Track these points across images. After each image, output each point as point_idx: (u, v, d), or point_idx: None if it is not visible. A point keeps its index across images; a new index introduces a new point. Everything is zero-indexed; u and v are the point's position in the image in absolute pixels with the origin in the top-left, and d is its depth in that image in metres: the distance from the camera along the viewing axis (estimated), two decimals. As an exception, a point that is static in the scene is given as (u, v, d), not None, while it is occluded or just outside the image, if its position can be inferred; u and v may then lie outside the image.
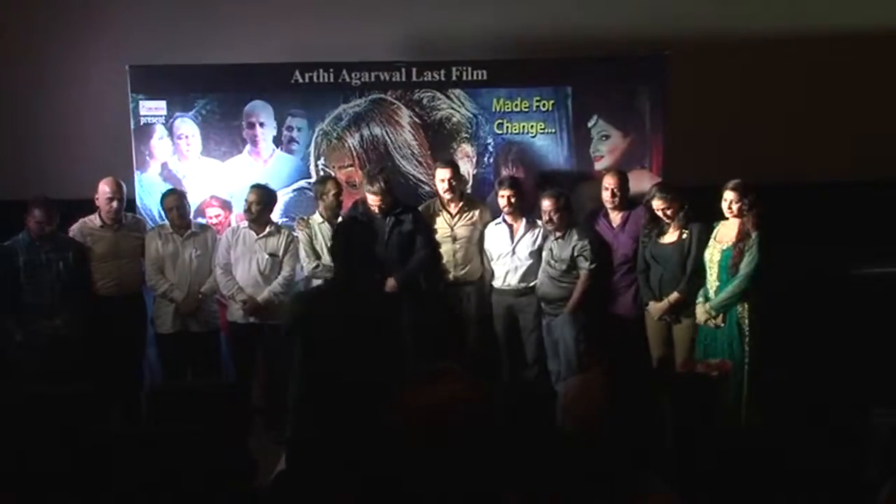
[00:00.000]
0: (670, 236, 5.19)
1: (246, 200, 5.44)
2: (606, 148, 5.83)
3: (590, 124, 5.83)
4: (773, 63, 6.26)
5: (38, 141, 6.36)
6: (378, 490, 2.70)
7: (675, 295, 5.15)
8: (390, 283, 5.37)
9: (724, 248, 4.97)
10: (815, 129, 6.21)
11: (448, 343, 5.48)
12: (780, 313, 5.03)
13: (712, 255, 5.02)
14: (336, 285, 3.85)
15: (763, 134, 6.18)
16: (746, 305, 4.90)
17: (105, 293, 5.43)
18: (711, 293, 5.00)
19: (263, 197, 5.45)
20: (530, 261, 5.50)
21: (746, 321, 4.89)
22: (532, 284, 5.50)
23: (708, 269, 5.03)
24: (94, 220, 5.49)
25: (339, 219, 5.48)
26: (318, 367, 3.58)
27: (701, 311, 5.02)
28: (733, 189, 4.94)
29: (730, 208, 4.96)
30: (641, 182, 5.64)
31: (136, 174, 5.84)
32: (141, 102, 5.79)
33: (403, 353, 3.81)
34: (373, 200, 5.44)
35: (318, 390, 3.54)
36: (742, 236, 4.91)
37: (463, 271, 5.59)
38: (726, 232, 5.01)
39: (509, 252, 5.52)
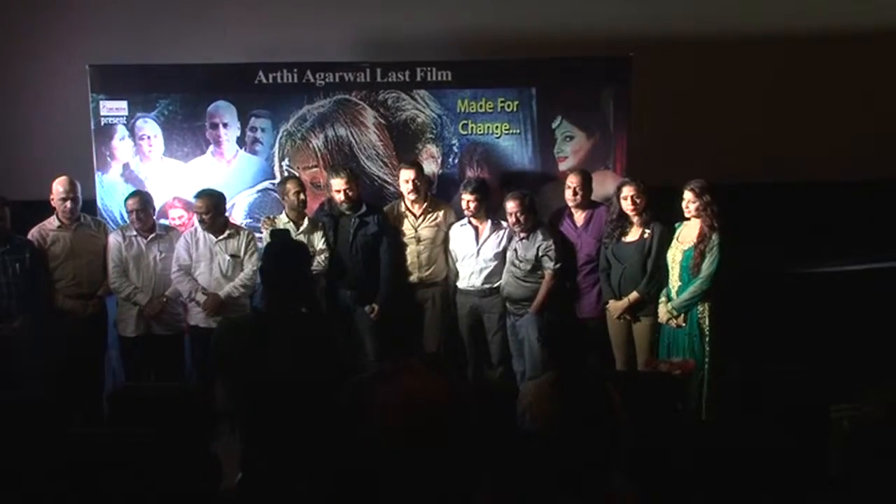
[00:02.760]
0: (632, 235, 5.24)
1: (195, 211, 5.40)
2: (571, 148, 5.86)
3: (554, 125, 5.86)
4: (736, 64, 6.32)
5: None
6: (347, 490, 2.70)
7: (634, 294, 5.20)
8: (374, 310, 5.44)
9: (686, 248, 5.02)
10: (775, 130, 6.28)
11: (412, 344, 5.49)
12: (738, 312, 5.10)
13: (674, 256, 5.07)
14: (267, 312, 3.59)
15: (725, 134, 6.24)
16: (707, 305, 4.95)
17: (65, 294, 5.37)
18: (673, 293, 5.05)
19: (211, 203, 5.36)
20: (495, 262, 5.52)
21: (707, 321, 4.95)
22: (497, 285, 5.52)
23: (670, 270, 5.09)
24: (51, 221, 5.42)
25: (305, 220, 5.46)
26: (260, 397, 3.42)
27: (663, 311, 5.07)
28: (691, 189, 4.99)
29: (687, 208, 5.02)
30: (605, 182, 5.69)
31: (97, 175, 5.78)
32: (101, 102, 5.73)
33: (345, 357, 3.67)
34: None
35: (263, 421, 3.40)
36: (702, 237, 4.96)
37: (427, 272, 5.60)
38: (688, 233, 5.06)
39: (474, 253, 5.53)
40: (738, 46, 6.36)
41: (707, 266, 4.91)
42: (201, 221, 5.36)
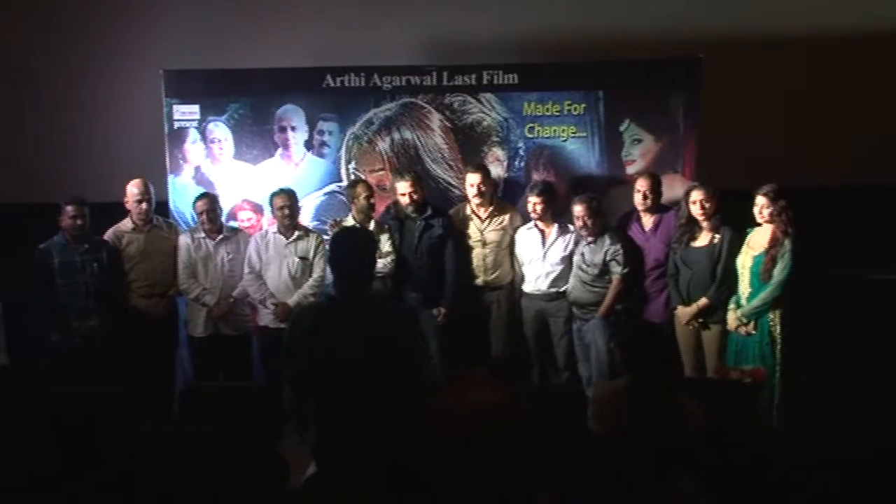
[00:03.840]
0: (702, 240, 5.15)
1: (275, 206, 5.46)
2: (638, 152, 5.80)
3: (621, 128, 5.80)
4: (808, 65, 6.20)
5: (73, 145, 6.46)
6: (409, 491, 2.71)
7: (703, 300, 5.11)
8: (440, 313, 5.43)
9: (757, 254, 4.92)
10: (849, 133, 6.13)
11: (477, 348, 5.47)
12: (811, 319, 4.98)
13: (744, 262, 4.97)
14: (337, 300, 3.65)
15: (798, 138, 6.11)
16: (778, 312, 4.85)
17: (138, 294, 5.48)
18: (743, 300, 4.95)
19: (293, 199, 5.50)
20: (561, 266, 5.47)
21: (778, 328, 4.84)
22: (563, 289, 5.48)
23: (740, 276, 4.99)
24: (126, 223, 5.54)
25: (372, 223, 5.49)
26: (329, 388, 3.48)
27: (732, 318, 4.97)
28: (764, 195, 4.89)
29: (761, 213, 4.92)
30: (673, 186, 5.60)
31: (170, 178, 5.90)
32: (174, 106, 5.86)
33: (420, 362, 3.71)
34: (404, 189, 5.44)
35: (333, 409, 3.46)
36: (774, 243, 4.85)
37: (493, 275, 5.58)
38: (759, 238, 4.96)
39: (540, 257, 5.50)
40: (809, 46, 6.24)
41: (779, 272, 4.81)
42: (283, 217, 5.42)
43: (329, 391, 3.42)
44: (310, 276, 5.44)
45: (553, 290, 5.48)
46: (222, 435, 3.22)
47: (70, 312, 5.26)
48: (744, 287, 4.95)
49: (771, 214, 4.87)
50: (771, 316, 4.85)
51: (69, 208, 5.24)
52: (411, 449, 2.95)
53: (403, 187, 5.46)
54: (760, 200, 4.90)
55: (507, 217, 5.63)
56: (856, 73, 6.23)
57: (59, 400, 3.65)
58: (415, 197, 5.45)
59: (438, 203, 5.70)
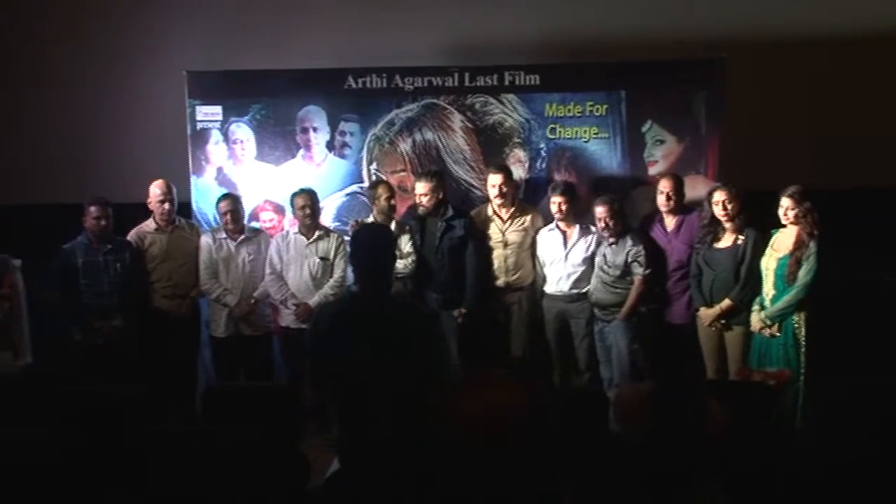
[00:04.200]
0: (725, 241, 5.11)
1: (296, 206, 5.47)
2: (661, 153, 5.78)
3: (644, 129, 5.78)
4: (831, 65, 6.15)
5: (97, 145, 6.50)
6: (433, 491, 2.71)
7: (726, 302, 5.07)
8: (461, 314, 5.38)
9: (781, 256, 4.88)
10: (874, 134, 6.07)
11: (498, 349, 5.45)
12: (836, 322, 4.93)
13: (768, 263, 4.93)
14: (358, 295, 3.69)
15: (821, 139, 6.06)
16: (803, 315, 4.81)
17: (160, 295, 5.51)
18: (767, 302, 4.91)
19: (314, 199, 5.51)
20: (583, 267, 5.45)
21: (802, 331, 4.80)
22: (584, 290, 5.46)
23: (764, 277, 4.95)
24: (148, 224, 5.58)
25: (393, 224, 5.49)
26: (349, 384, 3.50)
27: (756, 320, 4.93)
28: (790, 196, 4.85)
29: (786, 215, 4.88)
30: (696, 188, 5.56)
31: (192, 178, 5.93)
32: (197, 107, 5.88)
33: (440, 362, 3.72)
34: (425, 190, 5.43)
35: (354, 405, 3.48)
36: (799, 244, 4.81)
37: (514, 276, 5.56)
38: (783, 240, 4.92)
39: (562, 258, 5.48)
40: (834, 46, 6.19)
41: (804, 274, 4.77)
42: (304, 216, 5.44)
43: (348, 387, 3.43)
44: (331, 277, 5.45)
45: (575, 291, 5.46)
46: (244, 434, 3.23)
47: (93, 312, 5.29)
48: (768, 289, 4.92)
49: (796, 216, 4.83)
50: (795, 318, 4.81)
51: (92, 209, 5.28)
52: (431, 448, 2.94)
53: (424, 188, 5.45)
54: (785, 202, 4.86)
55: (528, 218, 5.62)
56: (881, 74, 6.18)
57: (82, 399, 3.68)
58: (436, 198, 5.45)
59: (460, 204, 5.69)
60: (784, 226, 4.92)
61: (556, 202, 5.43)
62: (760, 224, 5.06)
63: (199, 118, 5.89)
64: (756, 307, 4.97)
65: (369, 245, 3.62)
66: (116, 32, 6.54)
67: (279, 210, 5.94)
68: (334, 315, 3.62)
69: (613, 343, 5.32)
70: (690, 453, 2.89)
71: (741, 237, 5.06)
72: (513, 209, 5.60)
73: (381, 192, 5.52)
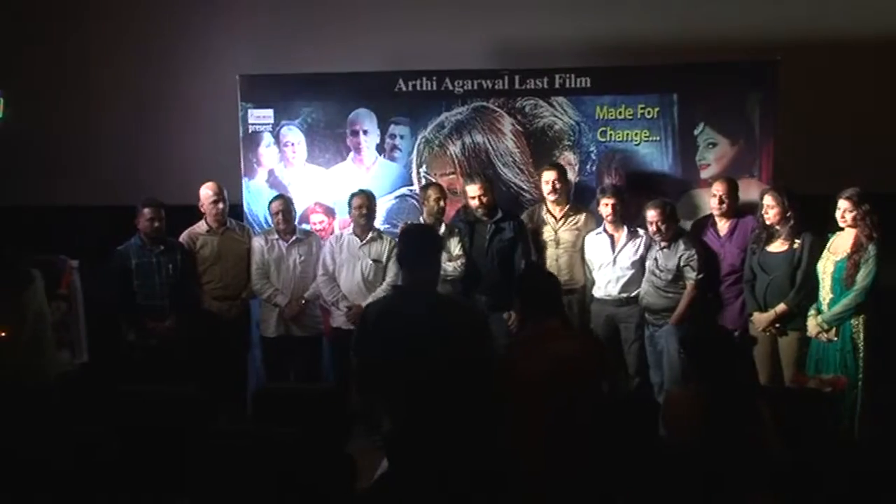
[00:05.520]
0: (780, 245, 5.03)
1: (353, 205, 5.49)
2: (713, 156, 5.70)
3: (696, 132, 5.71)
4: (890, 66, 6.02)
5: (151, 148, 6.60)
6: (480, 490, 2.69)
7: (781, 306, 4.99)
8: (510, 317, 5.33)
9: (839, 259, 4.78)
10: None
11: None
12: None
13: (825, 267, 4.84)
14: (404, 290, 3.75)
15: (879, 140, 5.93)
16: (861, 319, 4.70)
17: (212, 296, 5.57)
18: (824, 306, 4.81)
19: (372, 200, 5.54)
20: (632, 270, 5.41)
21: (861, 336, 4.69)
22: (634, 294, 5.41)
23: (821, 281, 4.85)
24: (200, 225, 5.64)
25: (442, 226, 5.49)
26: (395, 380, 3.51)
27: (813, 325, 4.84)
28: (848, 198, 4.75)
29: (843, 218, 4.77)
30: (749, 191, 5.48)
31: (244, 181, 5.99)
32: (249, 111, 5.94)
33: (490, 362, 3.72)
34: (474, 192, 5.44)
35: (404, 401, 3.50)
36: (857, 247, 4.71)
37: (565, 277, 5.47)
38: (841, 243, 4.82)
39: (610, 261, 5.44)
40: (892, 47, 6.04)
41: (862, 278, 4.66)
42: (360, 216, 5.46)
43: (395, 385, 3.43)
44: (383, 280, 5.47)
45: (624, 294, 5.41)
46: (291, 435, 3.24)
47: (146, 313, 5.36)
48: (825, 293, 4.82)
49: (854, 218, 4.73)
50: (853, 323, 4.71)
51: (146, 210, 5.36)
52: (481, 449, 2.93)
53: (473, 190, 5.45)
54: (843, 204, 4.76)
55: (581, 217, 5.60)
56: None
57: (135, 399, 3.73)
58: (485, 200, 5.44)
59: (509, 207, 5.68)
60: (842, 229, 4.82)
61: (607, 203, 5.39)
62: (817, 227, 4.97)
63: (251, 121, 5.95)
64: (812, 312, 4.87)
65: (415, 242, 3.66)
66: (170, 36, 6.66)
67: (329, 212, 5.98)
68: (379, 312, 3.65)
69: (664, 348, 5.26)
70: (741, 458, 2.84)
71: (797, 241, 4.97)
72: (567, 207, 5.58)
73: (431, 193, 5.53)
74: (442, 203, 5.52)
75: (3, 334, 4.50)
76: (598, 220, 5.57)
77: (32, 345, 4.59)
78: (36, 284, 4.66)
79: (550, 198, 5.54)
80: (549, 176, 5.52)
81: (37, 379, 4.54)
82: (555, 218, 5.58)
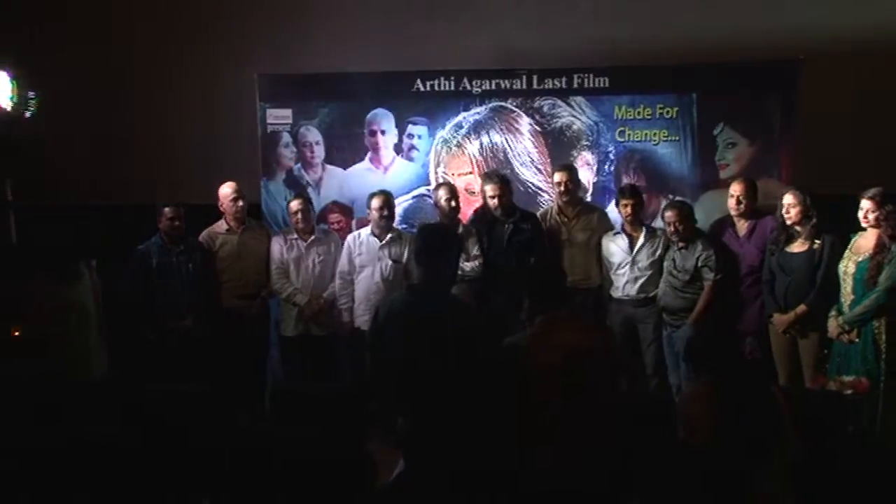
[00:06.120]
0: (800, 245, 4.99)
1: (373, 206, 5.47)
2: (733, 156, 5.68)
3: (715, 132, 5.69)
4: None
5: (170, 147, 6.63)
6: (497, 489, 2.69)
7: (801, 307, 4.95)
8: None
9: (861, 259, 4.74)
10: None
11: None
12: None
13: (847, 267, 4.79)
14: (417, 288, 3.78)
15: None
16: (883, 320, 4.65)
17: (231, 295, 5.59)
18: (845, 307, 4.76)
19: (391, 200, 5.53)
20: (650, 270, 5.39)
21: (883, 337, 4.64)
22: (652, 294, 5.39)
23: (842, 282, 4.80)
24: (219, 225, 5.66)
25: (460, 226, 5.48)
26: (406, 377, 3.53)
27: (834, 326, 4.79)
28: (871, 198, 4.70)
29: (866, 218, 4.73)
30: (769, 192, 5.44)
31: (262, 180, 6.01)
32: (268, 110, 5.96)
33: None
34: (492, 192, 5.43)
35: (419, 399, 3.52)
36: (880, 248, 4.66)
37: (580, 276, 5.46)
38: (863, 243, 4.77)
39: (629, 262, 5.42)
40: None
41: (885, 278, 4.60)
42: (381, 217, 5.44)
43: (407, 382, 3.45)
44: (404, 280, 5.45)
45: (642, 295, 5.40)
46: (309, 434, 3.24)
47: (166, 312, 5.38)
48: (846, 293, 4.77)
49: (877, 219, 4.68)
50: (876, 324, 4.65)
51: (166, 210, 5.39)
52: (493, 447, 2.93)
53: (491, 190, 5.45)
54: (865, 204, 4.71)
55: (594, 216, 5.59)
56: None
57: (154, 398, 3.74)
58: (502, 200, 5.43)
59: (527, 207, 5.67)
60: (864, 229, 4.78)
61: (626, 203, 5.37)
62: (838, 228, 4.93)
63: (269, 121, 5.97)
64: (833, 313, 4.83)
65: (430, 241, 3.67)
66: (188, 36, 6.67)
67: (346, 212, 5.98)
68: (390, 310, 3.67)
69: (682, 349, 5.23)
70: (757, 456, 2.82)
71: (817, 241, 4.94)
72: (579, 207, 5.57)
73: (442, 193, 5.53)
74: (453, 203, 5.51)
75: (16, 333, 4.53)
76: (612, 220, 5.55)
77: (76, 341, 4.60)
78: (84, 281, 4.67)
79: (562, 198, 5.53)
80: (560, 177, 5.52)
81: (77, 376, 4.55)
82: (567, 218, 5.57)
